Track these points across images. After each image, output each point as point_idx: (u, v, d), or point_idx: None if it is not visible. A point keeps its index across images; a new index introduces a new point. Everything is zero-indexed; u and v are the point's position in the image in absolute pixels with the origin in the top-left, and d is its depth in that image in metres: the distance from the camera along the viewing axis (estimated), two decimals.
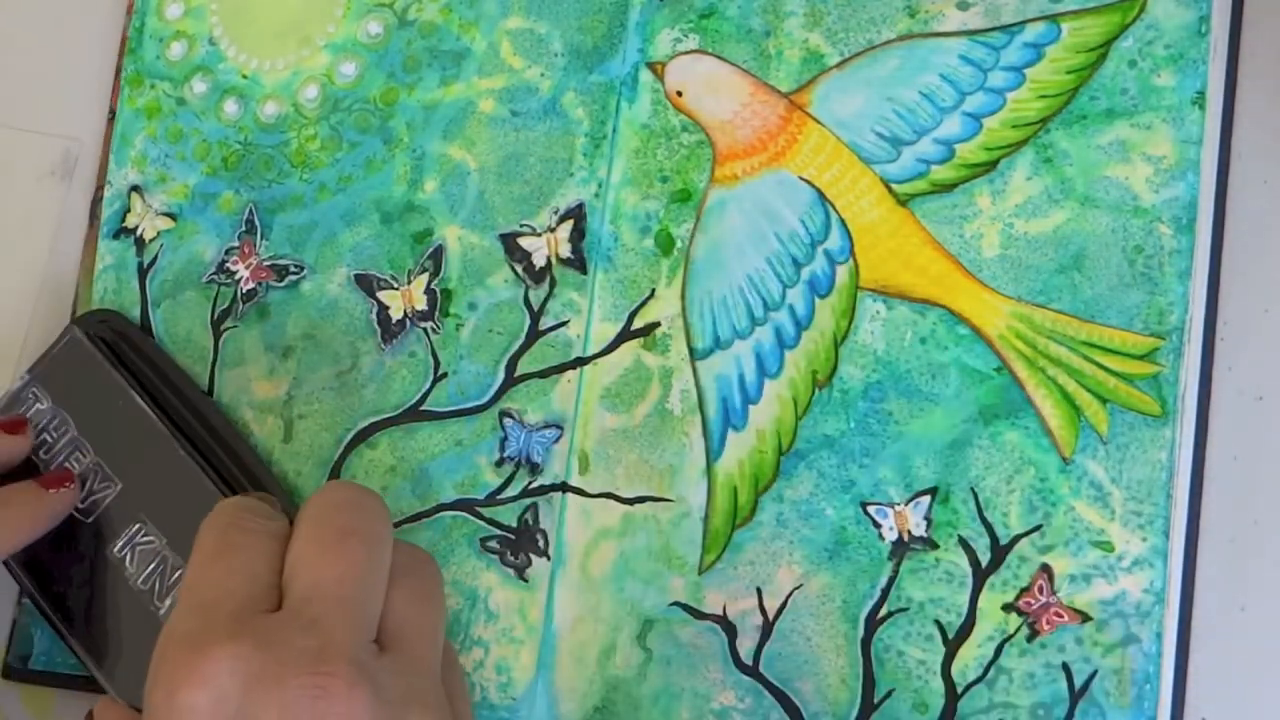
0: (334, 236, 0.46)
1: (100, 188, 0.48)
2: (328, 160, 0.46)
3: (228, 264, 0.46)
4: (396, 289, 0.45)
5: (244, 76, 0.47)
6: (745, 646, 0.42)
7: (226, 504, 0.38)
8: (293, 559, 0.36)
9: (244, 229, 0.46)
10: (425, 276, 0.45)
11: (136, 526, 0.43)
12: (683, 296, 0.43)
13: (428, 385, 0.44)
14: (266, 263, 0.46)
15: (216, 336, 0.46)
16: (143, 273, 0.47)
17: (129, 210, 0.47)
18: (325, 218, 0.46)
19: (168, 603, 0.42)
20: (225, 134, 0.47)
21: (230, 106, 0.47)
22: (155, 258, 0.47)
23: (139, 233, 0.47)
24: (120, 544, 0.43)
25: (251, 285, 0.46)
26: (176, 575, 0.42)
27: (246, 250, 0.46)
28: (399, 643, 0.36)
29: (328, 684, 0.33)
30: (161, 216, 0.47)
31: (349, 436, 0.45)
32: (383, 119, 0.46)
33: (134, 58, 0.48)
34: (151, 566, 0.43)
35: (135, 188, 0.47)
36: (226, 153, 0.47)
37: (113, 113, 0.48)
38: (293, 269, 0.46)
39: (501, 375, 0.44)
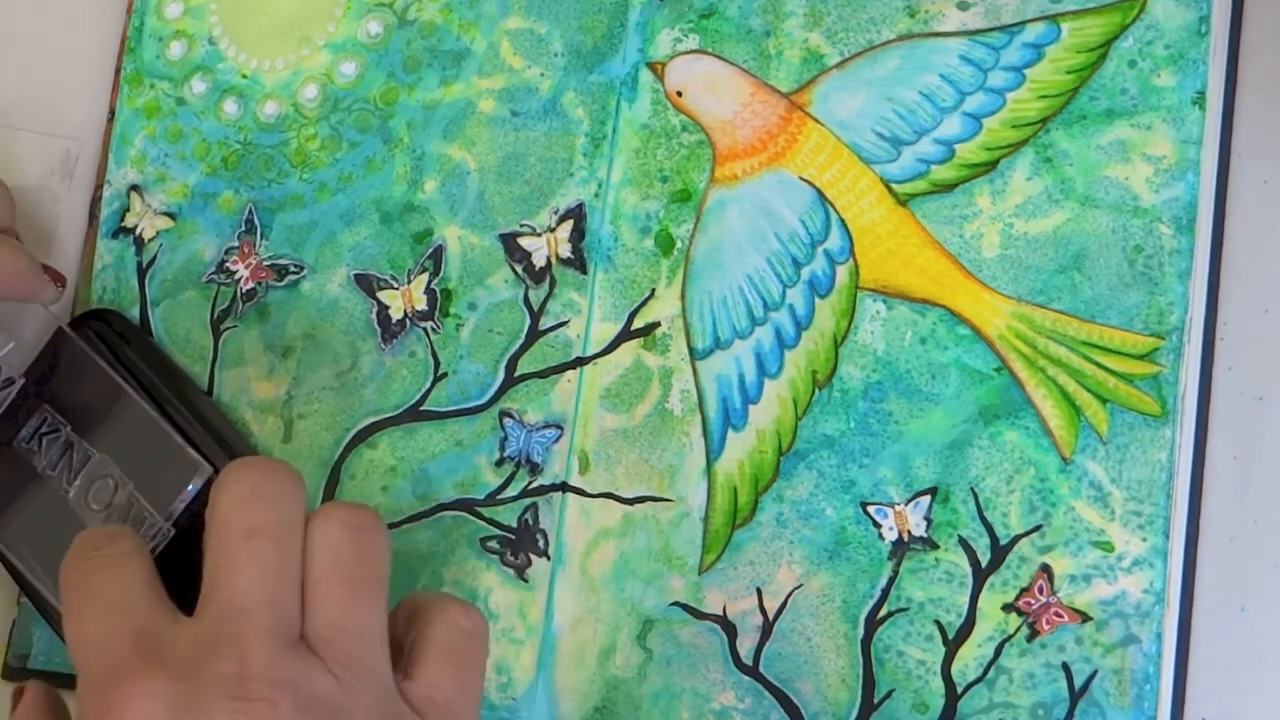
0: (334, 236, 0.46)
1: (99, 187, 0.48)
2: (328, 160, 0.46)
3: (227, 264, 0.46)
4: (396, 289, 0.45)
5: (244, 76, 0.47)
6: (745, 646, 0.42)
7: (70, 555, 0.37)
8: (206, 565, 0.35)
9: (244, 229, 0.46)
10: (425, 276, 0.45)
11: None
12: (683, 296, 0.43)
13: (428, 385, 0.44)
14: (266, 262, 0.46)
15: (216, 336, 0.46)
16: (142, 272, 0.47)
17: (128, 209, 0.47)
18: (325, 218, 0.46)
19: None
20: (225, 134, 0.47)
21: (230, 106, 0.47)
22: (154, 257, 0.47)
23: (138, 232, 0.47)
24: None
25: (251, 285, 0.46)
26: None
27: (246, 250, 0.46)
28: (328, 644, 0.35)
29: (250, 708, 0.33)
30: (161, 216, 0.47)
31: (349, 436, 0.45)
32: (383, 119, 0.46)
33: (133, 57, 0.48)
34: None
35: (134, 187, 0.47)
36: (226, 152, 0.47)
37: (112, 112, 0.48)
38: (293, 269, 0.46)
39: (501, 375, 0.44)
